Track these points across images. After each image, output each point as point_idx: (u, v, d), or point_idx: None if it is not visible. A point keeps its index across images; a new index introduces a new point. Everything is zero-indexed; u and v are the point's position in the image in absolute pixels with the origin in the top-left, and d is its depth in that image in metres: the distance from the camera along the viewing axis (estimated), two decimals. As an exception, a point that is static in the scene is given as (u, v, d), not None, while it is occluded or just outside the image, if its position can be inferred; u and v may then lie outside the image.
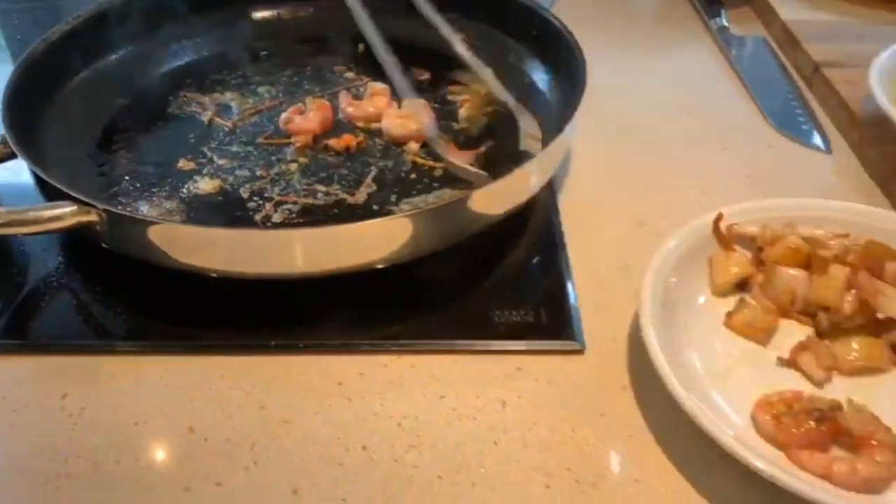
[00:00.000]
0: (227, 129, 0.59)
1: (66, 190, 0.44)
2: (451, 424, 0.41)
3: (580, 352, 0.44)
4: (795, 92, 0.67)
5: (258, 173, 0.55)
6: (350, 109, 0.61)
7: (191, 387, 0.42)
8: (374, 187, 0.54)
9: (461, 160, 0.56)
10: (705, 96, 0.67)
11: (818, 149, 0.61)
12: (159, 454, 0.39)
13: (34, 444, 0.40)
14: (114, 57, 0.62)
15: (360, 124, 0.60)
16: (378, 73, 0.61)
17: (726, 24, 0.75)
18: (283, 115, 0.59)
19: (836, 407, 0.39)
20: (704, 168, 0.59)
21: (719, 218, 0.47)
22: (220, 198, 0.53)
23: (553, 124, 0.54)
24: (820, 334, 0.44)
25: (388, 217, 0.45)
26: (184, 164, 0.56)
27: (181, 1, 0.65)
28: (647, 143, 0.61)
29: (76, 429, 0.40)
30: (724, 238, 0.48)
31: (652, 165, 0.59)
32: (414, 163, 0.56)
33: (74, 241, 0.51)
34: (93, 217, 0.44)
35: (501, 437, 0.40)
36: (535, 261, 0.51)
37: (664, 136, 0.62)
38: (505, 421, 0.41)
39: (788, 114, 0.64)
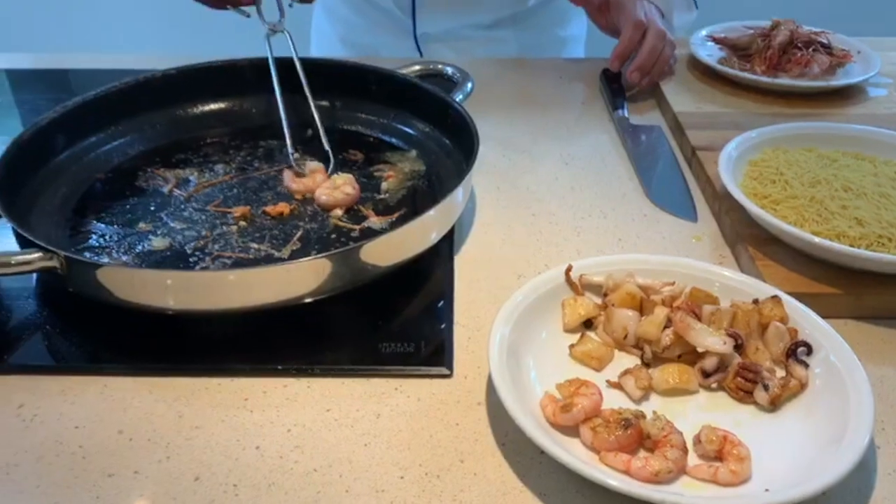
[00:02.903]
0: (183, 198, 0.71)
1: (33, 240, 0.55)
2: (331, 430, 0.50)
3: (448, 376, 0.54)
4: (677, 171, 0.78)
5: (203, 234, 0.65)
6: (293, 185, 0.72)
7: (124, 399, 0.52)
8: (299, 245, 0.64)
9: (376, 223, 0.67)
10: (597, 174, 0.78)
11: (687, 218, 0.71)
12: (92, 449, 0.49)
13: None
14: (93, 139, 0.74)
15: (298, 196, 0.71)
16: (319, 154, 0.73)
17: (627, 115, 0.87)
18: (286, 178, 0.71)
19: (639, 416, 0.48)
20: (583, 233, 0.69)
21: (569, 269, 0.57)
22: (169, 253, 0.63)
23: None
24: (645, 363, 0.54)
25: (288, 263, 0.55)
26: (143, 226, 0.66)
27: (151, 94, 0.78)
28: (539, 211, 0.72)
29: (27, 430, 0.50)
30: (575, 285, 0.58)
31: (539, 230, 0.69)
32: (336, 226, 0.67)
33: (45, 286, 0.61)
34: (54, 263, 0.54)
35: (371, 441, 0.49)
36: (424, 303, 0.61)
37: (554, 206, 0.73)
38: (376, 428, 0.50)
39: (667, 189, 0.75)
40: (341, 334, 0.58)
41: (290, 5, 0.78)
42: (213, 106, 0.82)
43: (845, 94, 0.91)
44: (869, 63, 0.93)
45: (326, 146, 0.75)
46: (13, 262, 0.54)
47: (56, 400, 0.52)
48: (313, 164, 0.73)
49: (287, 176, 0.73)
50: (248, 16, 0.77)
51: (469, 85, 0.79)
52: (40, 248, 0.54)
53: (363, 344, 0.56)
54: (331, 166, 0.73)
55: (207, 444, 0.49)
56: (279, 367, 0.54)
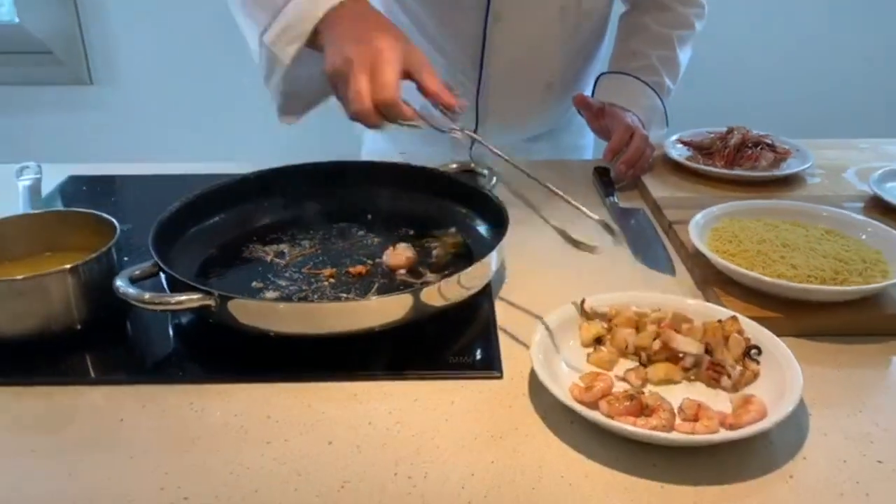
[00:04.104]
0: (282, 265, 0.92)
1: (195, 285, 0.76)
2: (419, 413, 0.69)
3: (500, 378, 0.74)
4: (658, 240, 1.01)
5: (303, 288, 0.86)
6: (391, 262, 0.92)
7: (266, 398, 0.71)
8: (377, 294, 0.85)
9: (431, 278, 0.88)
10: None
11: (667, 272, 0.93)
12: (251, 428, 0.68)
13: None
14: (210, 221, 0.96)
15: (375, 261, 0.92)
16: (382, 232, 0.96)
17: (617, 200, 1.11)
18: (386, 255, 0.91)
19: (640, 392, 0.68)
20: (588, 286, 0.90)
21: (583, 301, 0.79)
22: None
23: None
24: (642, 364, 0.74)
25: (375, 299, 0.76)
26: (255, 284, 0.87)
27: (251, 190, 1.01)
28: (554, 267, 0.94)
29: (199, 419, 0.69)
30: (588, 314, 0.79)
31: (556, 283, 0.91)
32: (402, 281, 0.88)
33: (179, 321, 0.82)
34: (211, 301, 0.75)
35: (449, 418, 0.69)
36: (477, 328, 0.82)
37: (564, 265, 0.95)
38: (452, 410, 0.70)
39: (651, 254, 0.97)
40: (421, 350, 0.78)
41: (454, 111, 0.89)
42: (296, 198, 1.04)
43: (787, 182, 1.15)
44: (805, 158, 1.18)
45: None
46: (183, 300, 0.75)
47: (216, 399, 0.72)
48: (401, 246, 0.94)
49: (385, 252, 0.93)
50: (417, 127, 0.86)
51: (494, 179, 1.02)
52: (200, 291, 0.75)
53: (437, 357, 0.77)
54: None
55: (333, 422, 0.68)
56: (378, 373, 0.74)
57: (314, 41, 0.89)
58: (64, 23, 2.09)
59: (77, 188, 1.18)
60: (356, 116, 0.85)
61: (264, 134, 2.13)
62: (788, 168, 1.17)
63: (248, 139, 2.18)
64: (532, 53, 1.26)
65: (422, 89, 0.87)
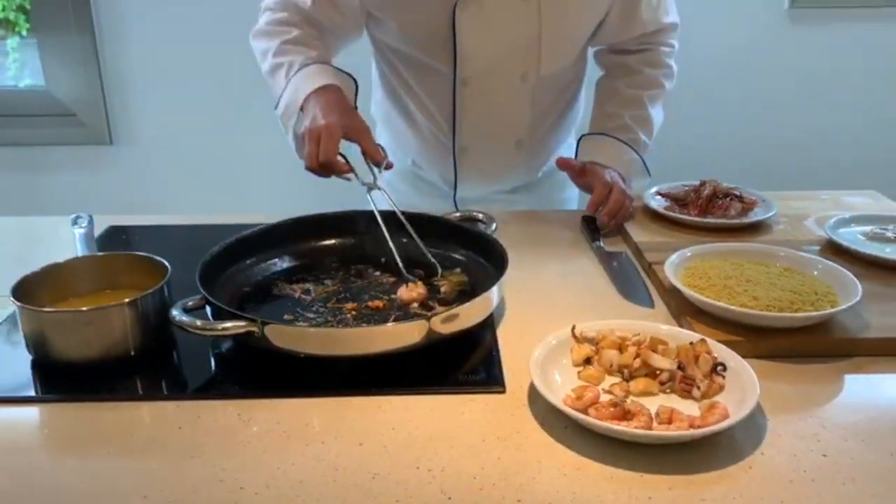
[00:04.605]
0: (308, 300, 1.04)
1: (241, 314, 0.88)
2: (435, 420, 0.81)
3: (503, 392, 0.86)
4: (639, 278, 1.14)
5: (329, 320, 0.99)
6: (404, 296, 1.05)
7: (305, 408, 0.83)
8: (394, 324, 0.98)
9: (440, 310, 1.01)
10: (583, 284, 1.13)
11: (647, 305, 1.06)
12: (293, 433, 0.79)
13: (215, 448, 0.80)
14: (245, 262, 1.09)
15: (391, 296, 1.05)
16: (394, 272, 1.09)
17: (602, 245, 1.24)
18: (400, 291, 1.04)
19: (623, 400, 0.81)
20: (578, 316, 1.02)
21: (574, 327, 0.91)
22: (310, 330, 0.97)
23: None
24: (625, 379, 0.86)
25: (395, 324, 0.89)
26: (287, 316, 1.00)
27: (279, 238, 1.14)
28: (548, 301, 1.07)
29: (245, 426, 0.81)
30: (578, 338, 0.91)
31: (550, 314, 1.03)
32: (415, 313, 1.01)
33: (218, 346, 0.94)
34: (255, 327, 0.87)
35: (461, 423, 0.81)
36: (483, 351, 0.94)
37: (557, 301, 1.08)
38: (463, 418, 0.82)
39: (633, 290, 1.10)
40: (435, 370, 0.90)
41: (380, 171, 1.16)
42: (318, 244, 1.18)
43: (754, 229, 1.29)
44: (769, 207, 1.33)
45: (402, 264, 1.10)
46: (229, 327, 0.87)
47: (260, 410, 0.83)
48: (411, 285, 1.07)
49: (399, 290, 1.06)
50: (349, 180, 1.15)
51: (494, 224, 1.16)
52: (245, 318, 0.88)
53: (449, 375, 0.89)
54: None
55: (362, 428, 0.80)
56: (399, 389, 0.86)
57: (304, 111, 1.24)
58: (88, 87, 2.25)
59: (117, 236, 1.31)
60: (308, 169, 1.18)
61: (270, 188, 2.28)
62: (755, 216, 1.31)
63: (253, 193, 2.33)
64: (499, 114, 1.41)
65: (361, 150, 1.19)
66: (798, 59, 2.27)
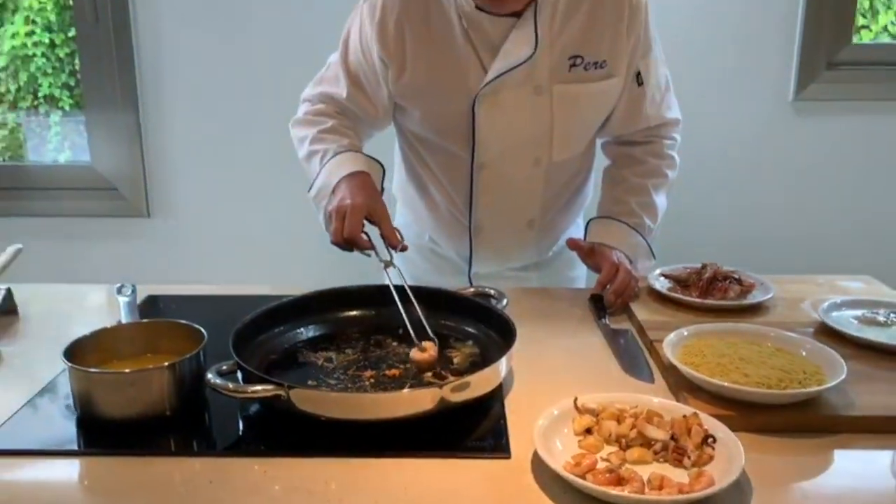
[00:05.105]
0: (330, 368, 1.13)
1: (267, 378, 0.96)
2: (445, 482, 0.88)
3: (508, 458, 0.93)
4: (641, 355, 1.21)
5: (349, 387, 1.07)
6: (416, 357, 1.13)
7: (322, 469, 0.90)
8: (408, 391, 1.05)
9: (452, 380, 1.08)
10: (589, 359, 1.21)
11: (647, 381, 1.13)
12: (311, 486, 0.87)
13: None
14: (274, 331, 1.18)
15: (407, 365, 1.13)
16: (410, 343, 1.17)
17: (608, 323, 1.32)
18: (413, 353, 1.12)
19: (619, 467, 0.87)
20: (581, 388, 1.09)
21: (576, 399, 0.98)
22: (331, 395, 1.04)
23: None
24: (622, 448, 0.93)
25: (408, 391, 0.97)
26: (310, 382, 1.08)
27: (305, 309, 1.23)
28: (554, 375, 1.14)
29: (266, 477, 0.88)
30: (580, 409, 0.98)
31: (555, 386, 1.10)
32: (429, 382, 1.08)
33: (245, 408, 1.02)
34: (282, 391, 0.95)
35: (470, 487, 0.87)
36: (492, 420, 1.01)
37: (564, 375, 1.15)
38: (470, 482, 0.89)
39: (635, 365, 1.17)
40: (446, 436, 0.97)
41: (396, 250, 1.26)
42: (341, 314, 1.27)
43: (752, 310, 1.36)
44: (767, 290, 1.40)
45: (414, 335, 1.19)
46: (259, 390, 0.95)
47: (284, 469, 0.91)
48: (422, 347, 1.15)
49: (413, 352, 1.14)
50: (369, 255, 1.25)
51: (505, 300, 1.25)
52: (273, 383, 0.96)
53: (459, 441, 0.96)
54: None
55: (378, 488, 0.87)
56: (412, 453, 0.93)
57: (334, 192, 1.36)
58: (130, 163, 2.39)
59: (155, 304, 1.41)
60: (333, 243, 1.30)
61: (296, 261, 2.39)
62: (753, 298, 1.38)
63: (279, 264, 2.44)
64: (513, 196, 1.52)
65: (380, 232, 1.30)
66: (802, 151, 2.36)
